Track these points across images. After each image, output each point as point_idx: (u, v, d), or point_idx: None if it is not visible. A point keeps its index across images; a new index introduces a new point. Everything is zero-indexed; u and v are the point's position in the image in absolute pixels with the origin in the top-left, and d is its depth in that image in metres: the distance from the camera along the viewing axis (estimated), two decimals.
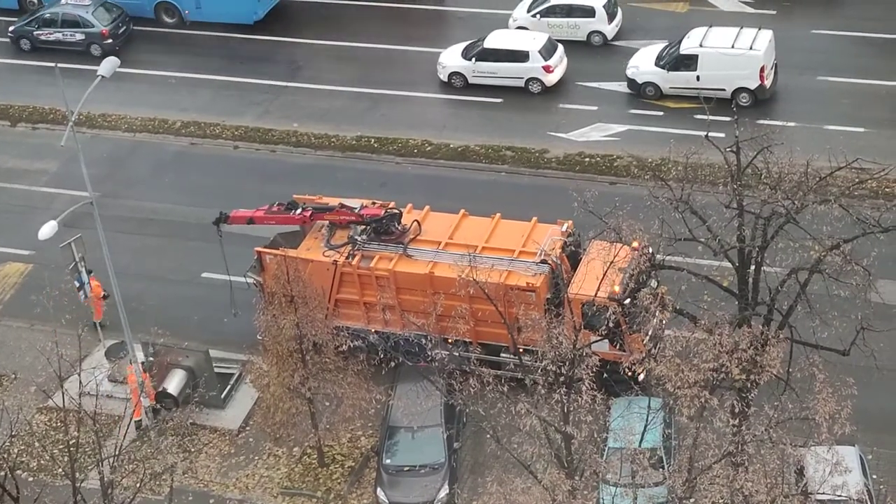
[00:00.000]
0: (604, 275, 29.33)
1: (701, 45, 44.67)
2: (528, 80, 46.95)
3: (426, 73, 49.01)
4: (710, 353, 25.30)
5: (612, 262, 28.73)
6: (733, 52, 44.00)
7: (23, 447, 34.39)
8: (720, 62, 44.12)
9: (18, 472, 30.44)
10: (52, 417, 35.24)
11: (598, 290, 29.85)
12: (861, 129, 42.63)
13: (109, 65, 31.93)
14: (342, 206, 35.89)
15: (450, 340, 33.38)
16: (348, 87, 48.95)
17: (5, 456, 27.20)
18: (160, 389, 35.07)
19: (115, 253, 33.93)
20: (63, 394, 26.92)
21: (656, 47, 46.58)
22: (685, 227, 28.62)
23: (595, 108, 45.75)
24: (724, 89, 43.94)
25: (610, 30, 49.56)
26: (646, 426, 26.65)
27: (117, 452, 27.08)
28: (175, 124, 47.87)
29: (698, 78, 44.53)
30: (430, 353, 30.15)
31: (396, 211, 35.66)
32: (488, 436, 29.32)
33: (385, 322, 35.17)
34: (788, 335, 27.86)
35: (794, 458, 25.05)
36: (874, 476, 30.86)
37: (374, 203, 36.21)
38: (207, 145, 46.92)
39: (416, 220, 35.42)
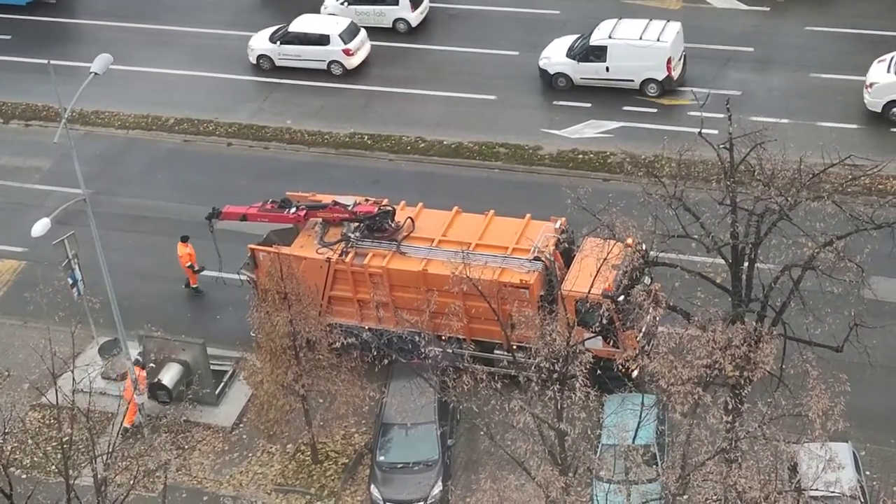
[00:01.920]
0: (597, 271, 29.31)
1: (610, 37, 45.65)
2: (329, 63, 49.27)
3: (419, 70, 48.99)
4: (703, 350, 25.30)
5: (605, 259, 28.72)
6: (641, 44, 44.98)
7: (16, 444, 34.37)
8: (628, 53, 45.12)
9: (12, 469, 30.38)
10: (45, 415, 35.23)
11: (592, 286, 29.84)
12: (854, 126, 42.71)
13: (102, 62, 31.87)
14: (335, 203, 35.87)
15: (443, 337, 33.37)
16: (342, 84, 48.95)
17: None
18: (155, 381, 35.04)
19: (109, 250, 33.90)
20: (56, 391, 26.91)
21: (569, 39, 47.36)
22: (678, 223, 28.64)
23: (588, 104, 45.75)
24: (632, 80, 45.37)
25: (414, 17, 51.53)
26: (639, 423, 26.66)
27: (111, 450, 27.04)
28: (168, 121, 47.85)
29: (608, 69, 45.58)
30: (423, 351, 30.14)
31: (390, 208, 35.65)
32: (482, 433, 29.30)
33: (379, 319, 35.16)
34: (782, 332, 27.89)
35: (787, 455, 25.04)
36: (867, 472, 30.90)
37: (367, 200, 36.19)
38: (201, 142, 46.89)
39: (409, 218, 35.42)
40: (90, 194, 33.60)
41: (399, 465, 32.58)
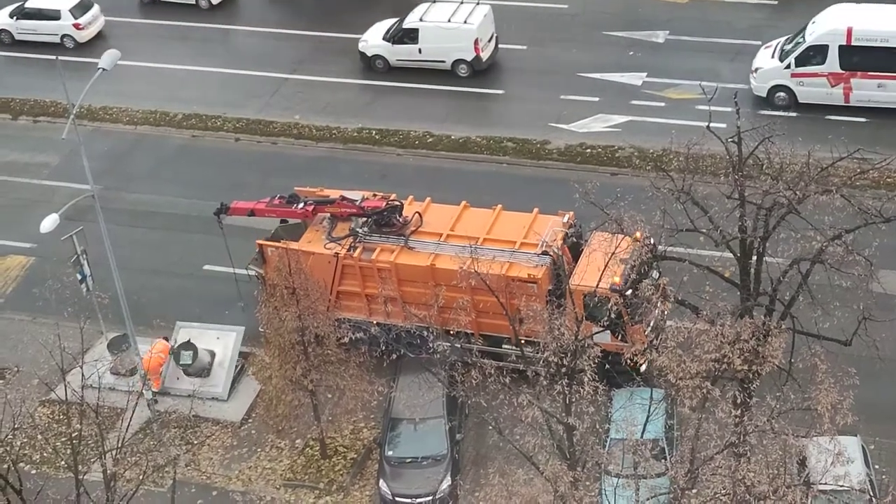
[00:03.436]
0: (605, 266, 29.32)
1: (421, 20, 47.90)
2: (62, 37, 52.54)
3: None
4: (711, 344, 25.30)
5: (613, 254, 28.71)
6: (449, 26, 47.21)
7: (26, 440, 34.44)
8: (438, 35, 47.36)
9: (21, 464, 30.49)
10: (54, 410, 35.31)
11: (600, 281, 29.84)
12: (863, 120, 42.60)
13: (110, 57, 31.93)
14: (343, 198, 35.89)
15: (451, 332, 33.39)
16: (350, 80, 48.96)
17: (8, 449, 27.27)
18: (186, 340, 35.55)
19: (117, 246, 33.94)
20: (65, 386, 26.98)
21: (388, 23, 49.56)
22: (687, 217, 28.61)
23: (596, 99, 45.72)
24: (443, 61, 47.77)
25: None
26: (648, 417, 26.65)
27: (120, 445, 27.10)
28: (177, 117, 47.89)
29: (420, 51, 47.84)
30: (431, 345, 30.14)
31: (398, 203, 35.64)
32: (490, 427, 29.36)
33: (387, 314, 35.16)
34: (790, 326, 27.86)
35: (796, 449, 25.04)
36: (876, 466, 30.86)
37: (375, 195, 36.21)
38: (209, 138, 46.91)
39: (417, 212, 35.42)
40: (99, 190, 33.67)
41: (408, 460, 32.60)
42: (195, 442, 34.73)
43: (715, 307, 27.16)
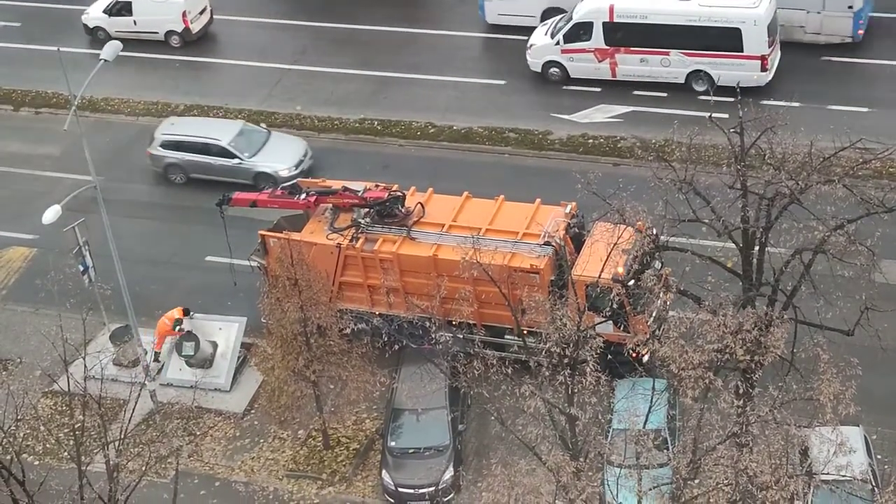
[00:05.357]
0: (608, 256, 29.34)
1: None
2: None
3: (430, 55, 48.96)
4: (714, 335, 25.30)
5: (615, 244, 28.72)
6: (160, 0, 50.94)
7: (28, 431, 34.50)
8: (149, 8, 51.24)
9: (24, 455, 30.57)
10: (57, 401, 35.36)
11: (602, 271, 29.84)
12: (865, 109, 42.55)
13: (112, 49, 31.93)
14: (345, 189, 35.86)
15: (454, 323, 33.40)
16: (352, 70, 48.91)
17: (11, 440, 27.25)
18: (188, 331, 35.74)
19: (119, 237, 33.99)
20: (68, 378, 27.00)
21: None
22: (689, 208, 28.62)
23: (598, 89, 45.66)
24: (157, 32, 51.45)
25: None
26: (650, 407, 26.66)
27: (123, 436, 27.13)
28: (178, 108, 47.84)
29: (135, 22, 51.46)
30: (434, 336, 30.16)
31: (400, 193, 35.62)
32: (493, 418, 29.34)
33: (389, 305, 35.17)
34: (792, 316, 27.86)
35: (798, 439, 25.03)
36: (878, 456, 30.87)
37: (377, 186, 36.17)
38: None
39: (419, 203, 35.40)
40: (101, 181, 33.67)
41: (410, 451, 32.64)
42: (198, 433, 34.77)
43: (717, 297, 27.17)
